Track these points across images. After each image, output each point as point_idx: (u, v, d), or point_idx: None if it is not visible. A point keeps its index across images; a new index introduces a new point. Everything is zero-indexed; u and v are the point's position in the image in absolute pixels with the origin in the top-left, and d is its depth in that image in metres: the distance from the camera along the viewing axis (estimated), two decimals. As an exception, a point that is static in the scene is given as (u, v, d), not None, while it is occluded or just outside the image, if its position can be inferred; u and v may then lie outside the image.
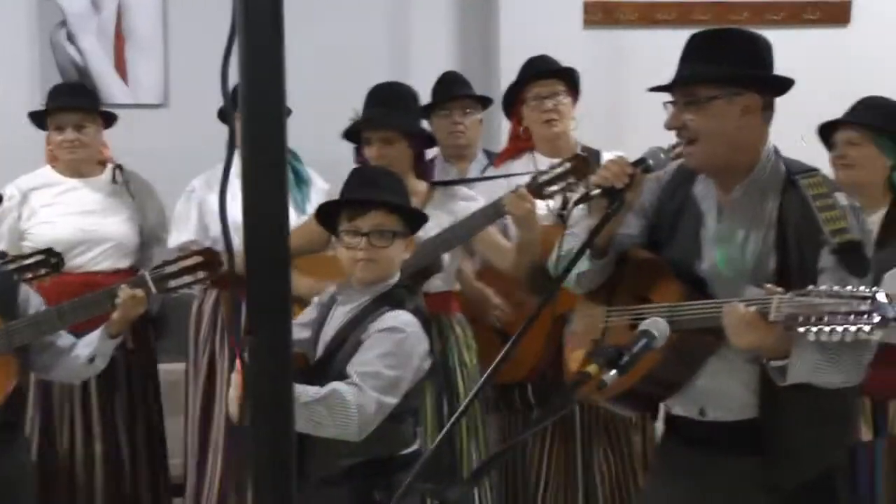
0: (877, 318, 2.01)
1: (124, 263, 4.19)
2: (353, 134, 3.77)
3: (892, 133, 3.29)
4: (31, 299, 3.31)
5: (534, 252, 3.54)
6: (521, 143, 4.05)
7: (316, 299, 3.02)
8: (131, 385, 4.20)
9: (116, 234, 4.17)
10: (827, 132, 3.43)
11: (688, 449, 2.57)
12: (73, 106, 4.14)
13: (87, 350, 3.26)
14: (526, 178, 3.61)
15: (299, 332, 2.97)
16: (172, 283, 3.19)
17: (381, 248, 2.77)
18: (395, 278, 2.86)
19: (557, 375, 3.80)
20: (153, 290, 3.19)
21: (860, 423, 3.24)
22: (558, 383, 3.81)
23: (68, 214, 4.13)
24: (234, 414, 2.80)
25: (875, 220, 3.25)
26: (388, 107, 3.62)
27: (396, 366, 2.66)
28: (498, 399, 3.87)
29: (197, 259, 3.20)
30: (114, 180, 4.26)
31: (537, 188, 3.45)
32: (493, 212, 3.54)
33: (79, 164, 4.20)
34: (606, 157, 3.94)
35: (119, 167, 4.28)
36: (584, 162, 3.45)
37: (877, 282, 3.06)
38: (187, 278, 3.20)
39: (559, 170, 3.45)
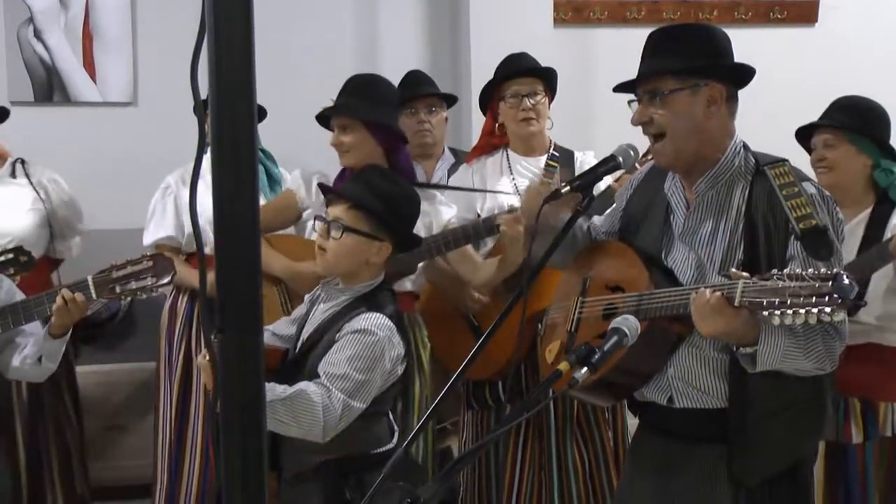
0: (838, 300, 2.01)
1: None
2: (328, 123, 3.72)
3: (869, 134, 3.32)
4: (1, 294, 3.29)
5: (513, 269, 3.57)
6: (494, 140, 4.05)
7: (307, 296, 3.02)
8: (54, 389, 4.13)
9: (16, 228, 4.09)
10: (804, 135, 3.45)
11: (659, 439, 2.59)
12: None
13: (34, 349, 3.23)
14: (510, 197, 3.62)
15: (287, 328, 2.97)
16: (118, 289, 3.07)
17: (333, 238, 2.77)
18: (378, 280, 2.86)
19: (528, 372, 3.83)
20: (94, 296, 3.11)
21: (845, 422, 3.27)
22: (529, 380, 3.84)
23: None
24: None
25: (860, 219, 3.29)
26: (352, 96, 3.58)
27: (365, 369, 2.65)
28: (469, 396, 3.88)
29: (147, 264, 3.08)
30: (13, 174, 4.20)
31: None
32: (485, 229, 3.55)
33: None
34: (578, 157, 3.97)
35: (20, 161, 4.23)
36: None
37: (866, 283, 3.09)
38: (134, 284, 3.07)
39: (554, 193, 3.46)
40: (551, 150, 3.98)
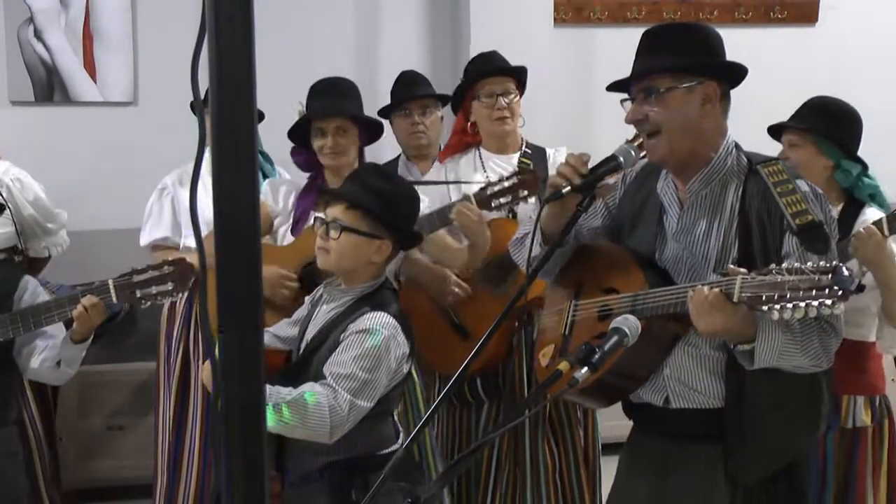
0: (838, 291, 2.00)
1: None
2: (295, 132, 3.71)
3: (831, 136, 3.33)
4: (26, 295, 3.29)
5: (483, 254, 3.61)
6: (467, 138, 4.07)
7: (308, 298, 3.02)
8: None
9: None
10: (776, 133, 3.49)
11: (655, 440, 2.58)
12: None
13: (53, 353, 3.23)
14: (474, 186, 3.64)
15: (289, 330, 2.97)
16: (139, 293, 3.08)
17: (332, 239, 2.78)
18: (380, 279, 2.86)
19: (506, 368, 3.84)
20: (114, 300, 3.12)
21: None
22: (506, 376, 3.86)
23: None
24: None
25: None
26: (333, 97, 3.60)
27: (371, 368, 2.65)
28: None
29: (167, 269, 3.10)
30: None
31: (485, 200, 3.51)
32: (440, 219, 3.57)
33: None
34: (550, 153, 4.01)
35: None
36: (534, 177, 3.51)
37: None
38: (155, 290, 3.09)
39: (508, 183, 3.50)
40: (523, 148, 4.02)
